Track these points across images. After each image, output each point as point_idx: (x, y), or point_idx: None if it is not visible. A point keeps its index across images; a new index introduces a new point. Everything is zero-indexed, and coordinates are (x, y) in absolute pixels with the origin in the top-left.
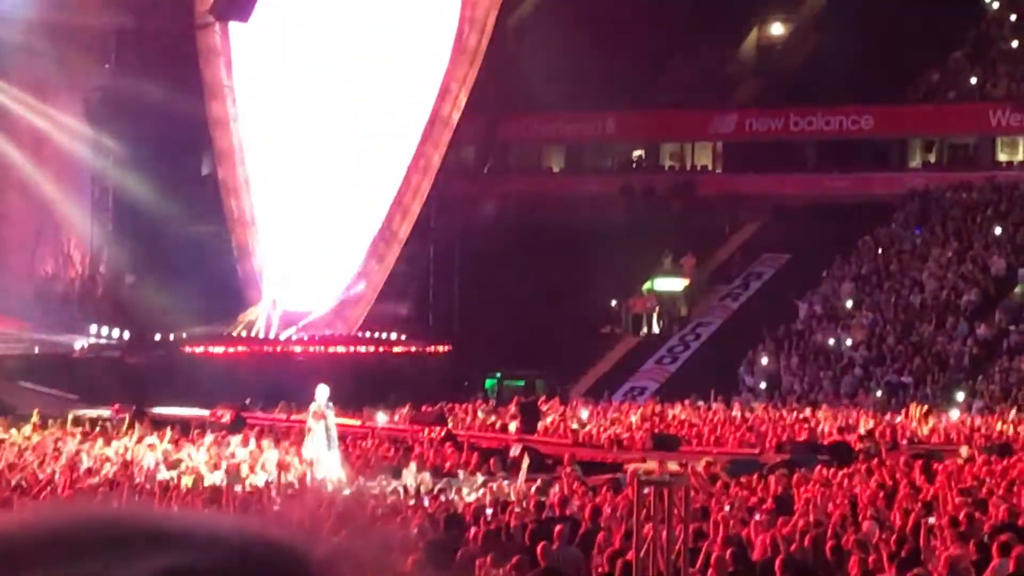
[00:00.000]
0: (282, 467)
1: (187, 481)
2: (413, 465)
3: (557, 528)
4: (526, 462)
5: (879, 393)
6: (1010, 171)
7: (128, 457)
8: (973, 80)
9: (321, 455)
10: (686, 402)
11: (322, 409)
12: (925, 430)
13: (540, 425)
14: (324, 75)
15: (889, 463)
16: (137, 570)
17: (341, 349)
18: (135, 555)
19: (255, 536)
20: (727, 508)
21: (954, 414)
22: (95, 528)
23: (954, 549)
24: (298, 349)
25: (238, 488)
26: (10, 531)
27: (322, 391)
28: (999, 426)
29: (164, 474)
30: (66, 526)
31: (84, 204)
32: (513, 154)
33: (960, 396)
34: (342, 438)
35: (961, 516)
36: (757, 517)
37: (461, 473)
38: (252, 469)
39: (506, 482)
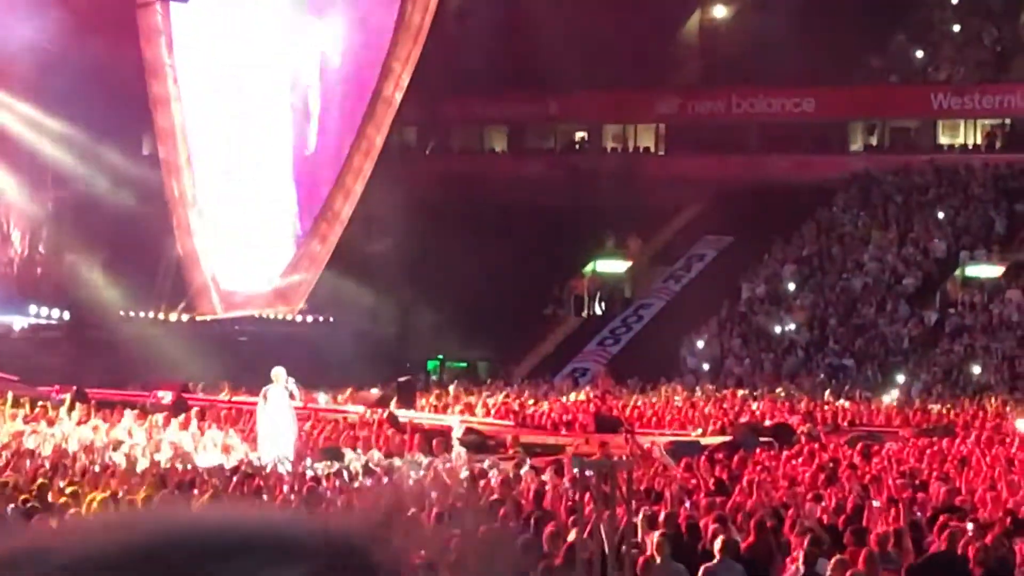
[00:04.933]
0: (225, 449)
1: (136, 462)
2: (358, 448)
3: (500, 511)
4: (457, 436)
5: (821, 375)
6: (951, 154)
7: (69, 439)
8: (915, 63)
9: (278, 436)
10: (628, 383)
11: (288, 387)
12: None
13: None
14: (264, 53)
15: (830, 445)
16: None
17: (282, 330)
18: (256, 569)
19: (358, 541)
20: (668, 491)
21: (891, 396)
22: (205, 538)
23: (883, 527)
24: (239, 329)
25: (181, 469)
26: (112, 549)
27: (280, 371)
28: (938, 408)
29: (106, 456)
30: (170, 538)
31: (23, 183)
32: (455, 135)
33: (900, 379)
34: None
35: (900, 497)
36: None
37: (404, 455)
38: (195, 450)
39: (449, 464)
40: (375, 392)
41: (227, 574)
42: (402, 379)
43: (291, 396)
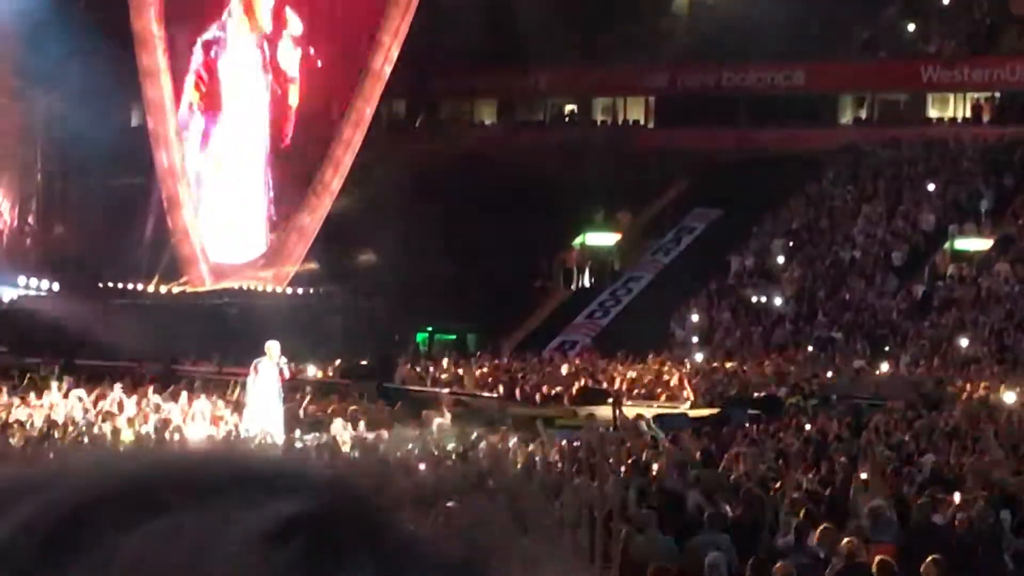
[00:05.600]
0: (215, 420)
1: (122, 434)
2: (345, 419)
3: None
4: (444, 416)
5: (809, 348)
6: (941, 128)
7: (58, 409)
8: (905, 36)
9: (267, 410)
10: (617, 356)
11: (279, 364)
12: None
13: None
14: (253, 26)
15: (818, 417)
16: (261, 516)
17: (272, 302)
18: (252, 500)
19: (355, 484)
20: (656, 463)
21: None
22: (194, 471)
23: (876, 499)
24: (228, 301)
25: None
26: (95, 485)
27: (275, 346)
28: (926, 381)
29: (94, 427)
30: (157, 470)
31: (12, 155)
32: (445, 108)
33: (889, 351)
34: None
35: (888, 469)
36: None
37: (393, 427)
38: (183, 421)
39: (434, 436)
40: (363, 364)
41: (217, 508)
42: (383, 353)
43: (280, 373)
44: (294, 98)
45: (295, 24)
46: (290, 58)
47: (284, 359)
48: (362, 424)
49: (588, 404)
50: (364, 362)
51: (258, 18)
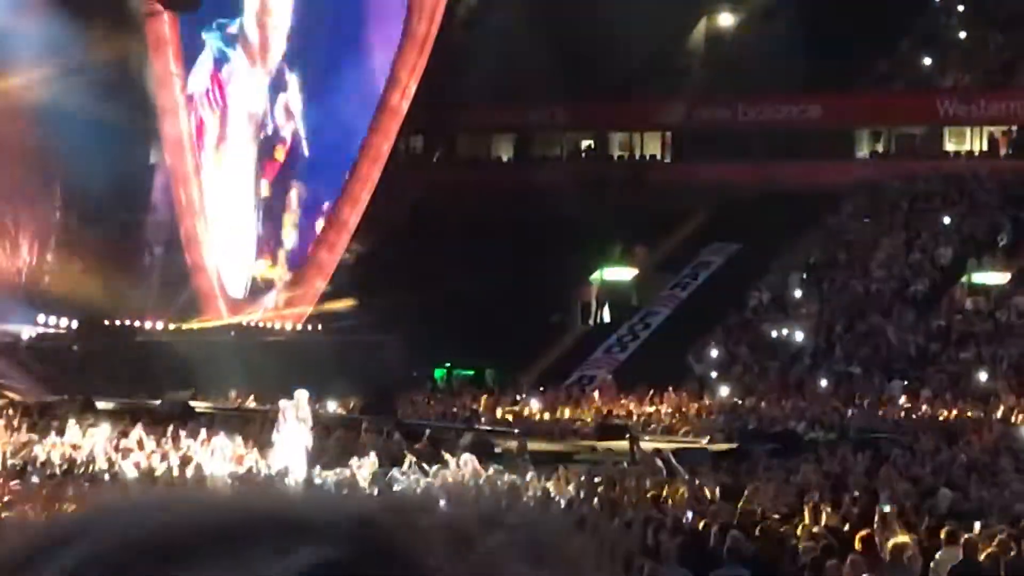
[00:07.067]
0: (237, 458)
1: (146, 471)
2: (372, 456)
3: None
4: (464, 444)
5: (826, 382)
6: (958, 161)
7: (78, 447)
8: (921, 70)
9: (292, 453)
10: (635, 391)
11: (304, 413)
12: None
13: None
14: (272, 61)
15: (837, 452)
16: (283, 567)
17: (289, 339)
18: (276, 550)
19: (382, 524)
20: (675, 498)
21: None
22: (213, 520)
23: (898, 537)
24: (248, 338)
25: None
26: (125, 531)
27: (302, 395)
28: (944, 415)
29: (114, 464)
30: (178, 521)
31: (32, 191)
32: (462, 143)
33: (907, 385)
34: None
35: (908, 504)
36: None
37: (411, 462)
38: (203, 459)
39: (457, 471)
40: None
41: (239, 560)
42: (380, 387)
43: (305, 421)
44: (280, 154)
45: (294, 90)
46: (283, 118)
47: (309, 411)
48: (377, 459)
49: (607, 439)
50: (379, 397)
51: (266, 57)
